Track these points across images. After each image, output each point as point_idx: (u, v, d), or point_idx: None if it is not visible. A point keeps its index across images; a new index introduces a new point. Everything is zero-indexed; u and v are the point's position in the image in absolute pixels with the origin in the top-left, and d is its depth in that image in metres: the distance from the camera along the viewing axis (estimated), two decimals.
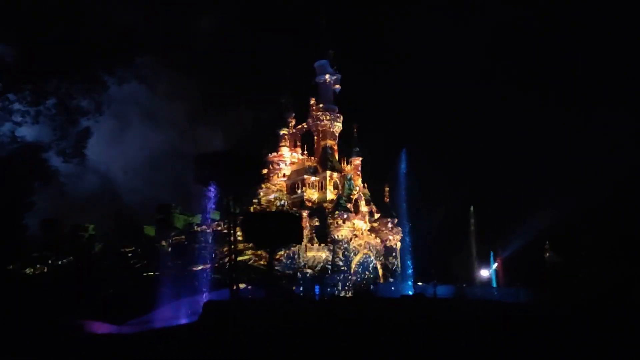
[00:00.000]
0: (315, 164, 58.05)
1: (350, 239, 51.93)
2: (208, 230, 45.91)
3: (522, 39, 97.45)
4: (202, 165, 31.14)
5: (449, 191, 63.24)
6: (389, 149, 66.05)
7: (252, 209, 53.53)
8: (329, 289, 46.87)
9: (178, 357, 21.75)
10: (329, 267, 49.95)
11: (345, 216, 51.49)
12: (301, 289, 45.53)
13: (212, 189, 34.27)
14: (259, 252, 46.41)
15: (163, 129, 68.64)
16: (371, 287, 49.88)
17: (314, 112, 59.61)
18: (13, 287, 32.66)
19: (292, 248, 47.92)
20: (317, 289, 44.38)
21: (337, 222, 51.13)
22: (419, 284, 47.85)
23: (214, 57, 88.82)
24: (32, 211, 25.53)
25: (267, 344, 20.77)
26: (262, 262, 46.16)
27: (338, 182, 56.34)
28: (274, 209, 52.42)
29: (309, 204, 54.08)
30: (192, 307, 32.88)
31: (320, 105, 59.22)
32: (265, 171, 54.99)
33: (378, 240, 55.05)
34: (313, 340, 20.91)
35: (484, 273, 55.35)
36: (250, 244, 44.06)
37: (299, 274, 47.58)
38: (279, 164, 58.75)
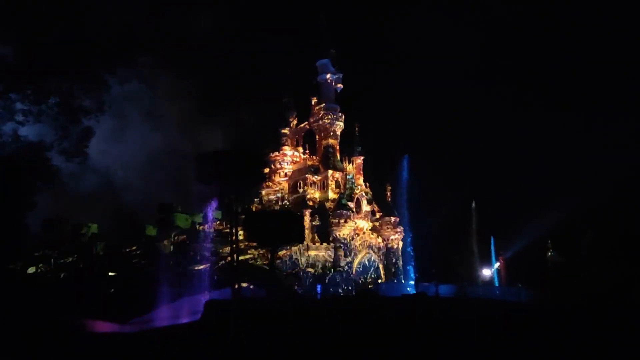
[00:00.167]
0: (316, 163, 58.05)
1: (352, 238, 51.90)
2: (209, 230, 45.97)
3: (522, 39, 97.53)
4: (204, 164, 31.07)
5: (450, 191, 63.26)
6: (391, 149, 66.39)
7: (253, 208, 53.65)
8: (330, 288, 46.89)
9: (180, 356, 21.80)
10: (331, 266, 49.96)
11: (346, 215, 51.48)
12: (303, 288, 45.57)
13: (213, 188, 34.27)
14: (261, 251, 46.51)
15: (164, 128, 68.43)
16: (373, 286, 49.85)
17: (315, 112, 59.56)
18: (15, 286, 32.74)
19: (294, 247, 47.95)
20: (319, 288, 44.45)
21: (338, 222, 51.11)
22: (421, 283, 47.81)
23: (215, 57, 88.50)
24: (34, 210, 25.52)
25: (268, 343, 20.81)
26: (264, 262, 46.22)
27: (340, 181, 56.32)
28: (275, 208, 52.47)
29: (311, 203, 54.05)
30: (194, 307, 32.80)
31: (322, 105, 59.12)
32: (266, 170, 54.97)
33: (380, 240, 55.05)
34: (315, 340, 20.93)
35: (486, 272, 55.29)
36: (252, 243, 44.22)
37: (300, 273, 47.58)
38: (280, 163, 58.88)
